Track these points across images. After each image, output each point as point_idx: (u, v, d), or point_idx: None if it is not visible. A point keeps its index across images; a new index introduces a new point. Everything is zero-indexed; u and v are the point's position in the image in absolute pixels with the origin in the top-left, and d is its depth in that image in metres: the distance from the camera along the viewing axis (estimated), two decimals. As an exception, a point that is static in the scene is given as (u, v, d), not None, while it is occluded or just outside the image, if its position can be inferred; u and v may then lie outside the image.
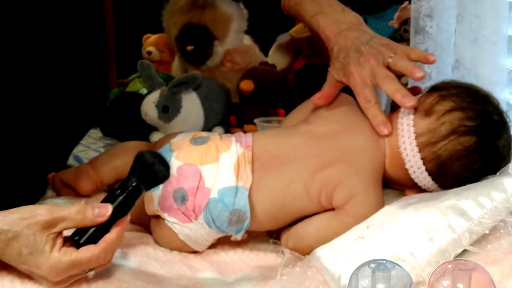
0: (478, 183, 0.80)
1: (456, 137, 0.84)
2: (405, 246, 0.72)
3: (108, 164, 0.98)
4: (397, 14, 1.59)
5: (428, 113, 0.86)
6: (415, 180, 0.88)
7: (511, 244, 0.72)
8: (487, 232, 0.73)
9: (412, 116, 0.87)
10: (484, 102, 0.87)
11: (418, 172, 0.86)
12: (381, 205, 0.85)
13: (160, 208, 0.87)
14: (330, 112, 0.94)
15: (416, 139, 0.86)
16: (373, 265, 0.60)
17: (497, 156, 0.84)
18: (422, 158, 0.85)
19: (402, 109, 0.90)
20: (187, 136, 0.94)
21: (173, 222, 0.86)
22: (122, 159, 0.96)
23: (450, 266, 0.60)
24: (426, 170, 0.86)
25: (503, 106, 0.89)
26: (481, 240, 0.74)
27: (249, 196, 0.85)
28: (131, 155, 0.89)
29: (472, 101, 0.86)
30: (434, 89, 0.90)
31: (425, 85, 1.25)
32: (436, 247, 0.71)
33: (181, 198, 0.85)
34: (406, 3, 1.57)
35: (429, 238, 0.72)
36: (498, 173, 0.80)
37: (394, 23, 1.59)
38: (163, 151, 0.90)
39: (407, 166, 0.87)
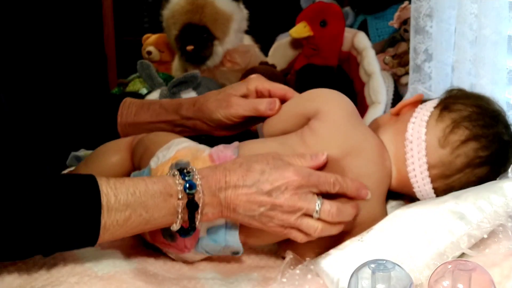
0: (478, 186, 0.79)
1: (471, 170, 0.81)
2: (404, 249, 0.72)
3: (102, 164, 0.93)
4: (397, 14, 1.59)
5: (442, 144, 0.81)
6: (421, 199, 0.84)
7: (509, 248, 0.71)
8: (485, 236, 0.72)
9: (424, 145, 0.81)
10: (495, 121, 0.82)
11: (427, 196, 0.83)
12: (384, 216, 0.82)
13: (153, 241, 0.83)
14: (330, 132, 0.82)
15: (428, 169, 0.81)
16: (373, 265, 0.60)
17: (505, 172, 0.83)
18: (433, 188, 0.82)
19: (410, 131, 0.83)
20: (166, 158, 0.83)
21: (167, 251, 0.84)
22: (115, 157, 0.93)
23: (450, 266, 0.60)
24: (435, 194, 0.83)
25: (503, 106, 0.88)
26: (479, 244, 0.73)
27: (240, 232, 0.79)
28: (120, 154, 0.87)
29: (485, 124, 0.81)
30: (444, 107, 0.83)
31: (425, 85, 1.25)
32: (435, 250, 0.71)
33: (170, 235, 0.80)
34: (406, 3, 1.57)
35: (427, 241, 0.72)
36: (498, 178, 0.80)
37: (394, 23, 1.59)
38: (143, 175, 0.84)
39: (415, 190, 0.83)
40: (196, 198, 0.72)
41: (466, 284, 0.58)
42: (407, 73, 1.38)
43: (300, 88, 1.40)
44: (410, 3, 1.30)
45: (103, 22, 2.36)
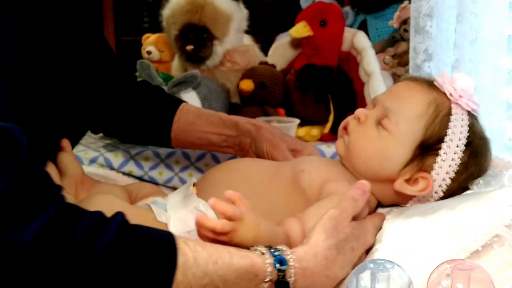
0: (472, 196, 0.78)
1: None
2: (400, 265, 0.70)
3: None
4: (397, 13, 1.59)
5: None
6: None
7: (505, 259, 0.69)
8: (480, 249, 0.70)
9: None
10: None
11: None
12: None
13: None
14: None
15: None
16: (372, 265, 0.60)
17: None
18: None
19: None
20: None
21: None
22: None
23: (449, 266, 0.60)
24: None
25: (503, 106, 0.88)
26: (474, 256, 0.71)
27: None
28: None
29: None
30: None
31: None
32: (431, 265, 0.67)
33: None
34: (406, 2, 1.57)
35: (424, 256, 0.70)
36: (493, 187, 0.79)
37: (394, 23, 1.60)
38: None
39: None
40: (287, 277, 0.64)
41: (466, 283, 0.58)
42: (407, 73, 1.38)
43: (300, 88, 1.41)
44: (410, 3, 1.30)
45: (103, 22, 2.37)
